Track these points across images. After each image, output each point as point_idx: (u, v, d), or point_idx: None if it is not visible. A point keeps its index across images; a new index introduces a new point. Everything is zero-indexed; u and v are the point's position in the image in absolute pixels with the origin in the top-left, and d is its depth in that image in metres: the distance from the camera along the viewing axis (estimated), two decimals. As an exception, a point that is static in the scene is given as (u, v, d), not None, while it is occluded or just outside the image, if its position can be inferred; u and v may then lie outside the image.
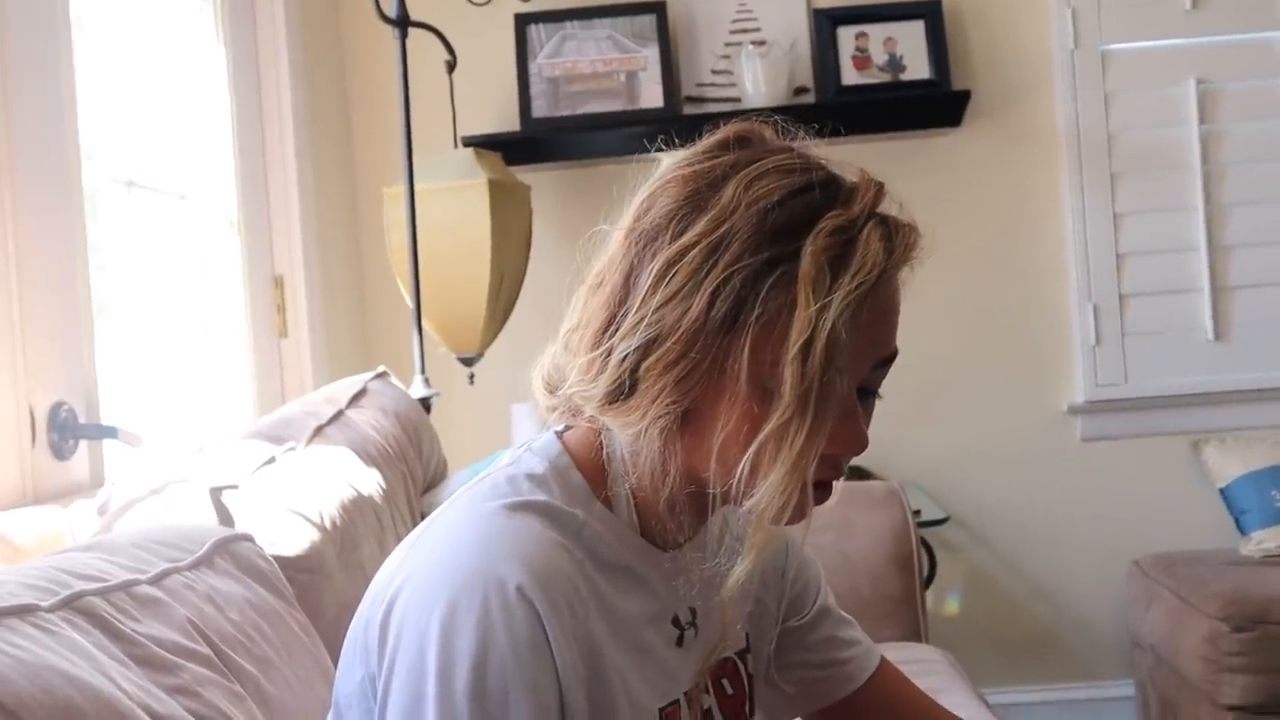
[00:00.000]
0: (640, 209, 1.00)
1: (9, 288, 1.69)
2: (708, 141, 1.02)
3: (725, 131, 1.02)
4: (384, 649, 0.94)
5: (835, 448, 0.96)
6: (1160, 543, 3.39)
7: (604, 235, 1.03)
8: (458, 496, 1.04)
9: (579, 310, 1.02)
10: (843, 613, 1.29)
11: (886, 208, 0.98)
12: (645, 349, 0.94)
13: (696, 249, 0.94)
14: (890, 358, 1.00)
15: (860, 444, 0.98)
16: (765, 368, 0.93)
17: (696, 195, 0.96)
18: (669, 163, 1.02)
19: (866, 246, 0.93)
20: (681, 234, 0.95)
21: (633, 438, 0.98)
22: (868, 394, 1.01)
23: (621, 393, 0.96)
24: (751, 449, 0.93)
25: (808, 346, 0.90)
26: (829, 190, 0.96)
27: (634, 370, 0.95)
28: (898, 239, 0.96)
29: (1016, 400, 3.51)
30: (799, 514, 0.97)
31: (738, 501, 0.96)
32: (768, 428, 0.92)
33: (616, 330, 0.96)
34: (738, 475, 0.94)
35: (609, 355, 0.96)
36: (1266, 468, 3.30)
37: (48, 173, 1.81)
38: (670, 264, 0.94)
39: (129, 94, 2.32)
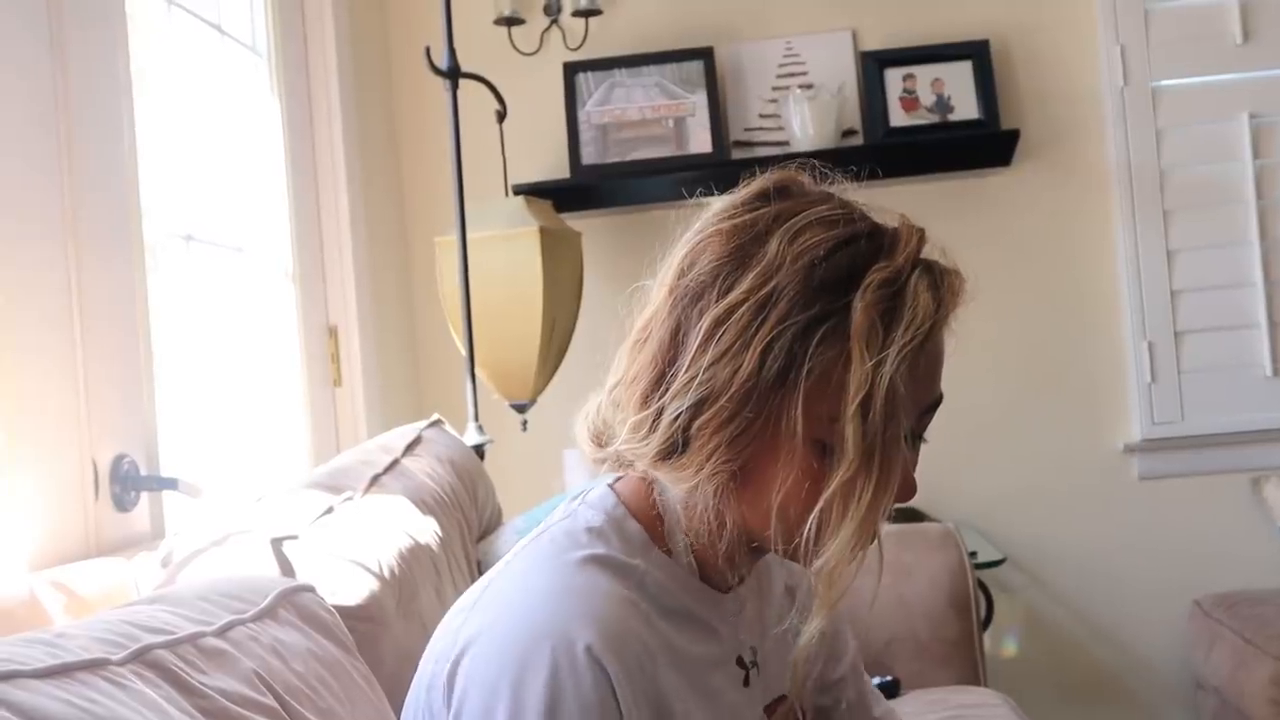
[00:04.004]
0: (683, 264, 0.99)
1: (73, 341, 1.71)
2: (746, 192, 1.02)
3: (764, 181, 1.02)
4: (449, 707, 0.94)
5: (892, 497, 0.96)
6: (1221, 582, 3.34)
7: (646, 289, 1.03)
8: (517, 554, 1.03)
9: (624, 365, 1.02)
10: (869, 681, 1.30)
11: (928, 253, 0.98)
12: (697, 408, 0.94)
13: (745, 306, 0.93)
14: (937, 402, 1.00)
15: (912, 491, 0.98)
16: (822, 423, 0.92)
17: (740, 250, 0.96)
18: (709, 215, 1.02)
19: (916, 298, 0.93)
20: (728, 291, 0.95)
21: (687, 493, 0.98)
22: (915, 438, 1.00)
23: (674, 450, 0.96)
24: (818, 507, 0.93)
25: (867, 402, 0.90)
26: (873, 241, 0.96)
27: (686, 429, 0.94)
28: (944, 287, 0.96)
29: (1072, 439, 3.48)
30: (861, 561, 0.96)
31: (805, 561, 0.95)
32: (833, 485, 0.92)
33: (666, 389, 0.96)
34: (805, 534, 0.93)
35: (660, 414, 0.96)
36: (1329, 505, 3.25)
37: (109, 229, 1.84)
38: (719, 322, 0.94)
39: (187, 150, 2.36)
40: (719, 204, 1.02)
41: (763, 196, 1.00)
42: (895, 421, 0.92)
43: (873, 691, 1.28)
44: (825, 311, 0.92)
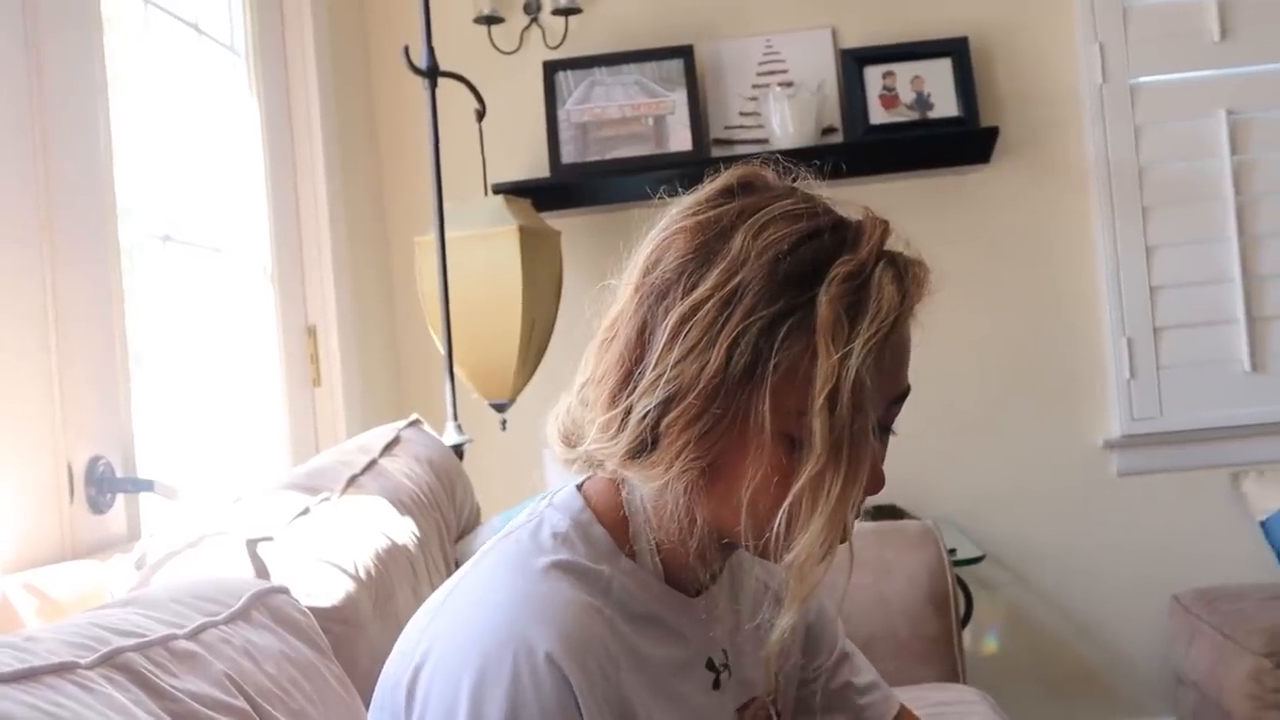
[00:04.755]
0: (649, 261, 0.99)
1: (48, 343, 1.71)
2: (711, 188, 1.02)
3: (728, 177, 1.01)
4: (410, 712, 0.94)
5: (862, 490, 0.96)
6: (1201, 577, 3.35)
7: (612, 288, 1.03)
8: (482, 556, 1.03)
9: (592, 364, 1.01)
10: (860, 656, 1.29)
11: (893, 244, 0.98)
12: (665, 405, 0.94)
13: (710, 303, 0.93)
14: (905, 394, 1.00)
15: (880, 484, 0.98)
16: (790, 418, 0.92)
17: (705, 246, 0.96)
18: (674, 211, 1.01)
19: (881, 290, 0.93)
20: (694, 288, 0.94)
21: (657, 491, 0.98)
22: (883, 431, 1.00)
23: (644, 449, 0.95)
24: (787, 501, 0.93)
25: (834, 395, 0.90)
26: (837, 234, 0.96)
27: (654, 427, 0.94)
28: (909, 278, 0.97)
29: (1051, 436, 3.49)
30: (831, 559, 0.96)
31: (776, 557, 0.95)
32: (802, 479, 0.92)
33: (634, 388, 0.96)
34: (775, 529, 0.93)
35: (629, 413, 0.96)
36: (1307, 500, 3.26)
37: (85, 230, 1.84)
38: (684, 319, 0.94)
39: (164, 150, 2.35)
40: (683, 201, 1.02)
41: (727, 192, 1.00)
42: (863, 414, 0.92)
43: (863, 681, 1.27)
44: (790, 306, 0.92)
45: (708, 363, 0.92)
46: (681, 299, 0.95)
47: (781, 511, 0.93)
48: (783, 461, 0.93)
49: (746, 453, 0.94)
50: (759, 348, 0.92)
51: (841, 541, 0.95)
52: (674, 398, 0.93)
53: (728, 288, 0.93)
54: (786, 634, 0.99)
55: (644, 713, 0.97)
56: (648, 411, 0.94)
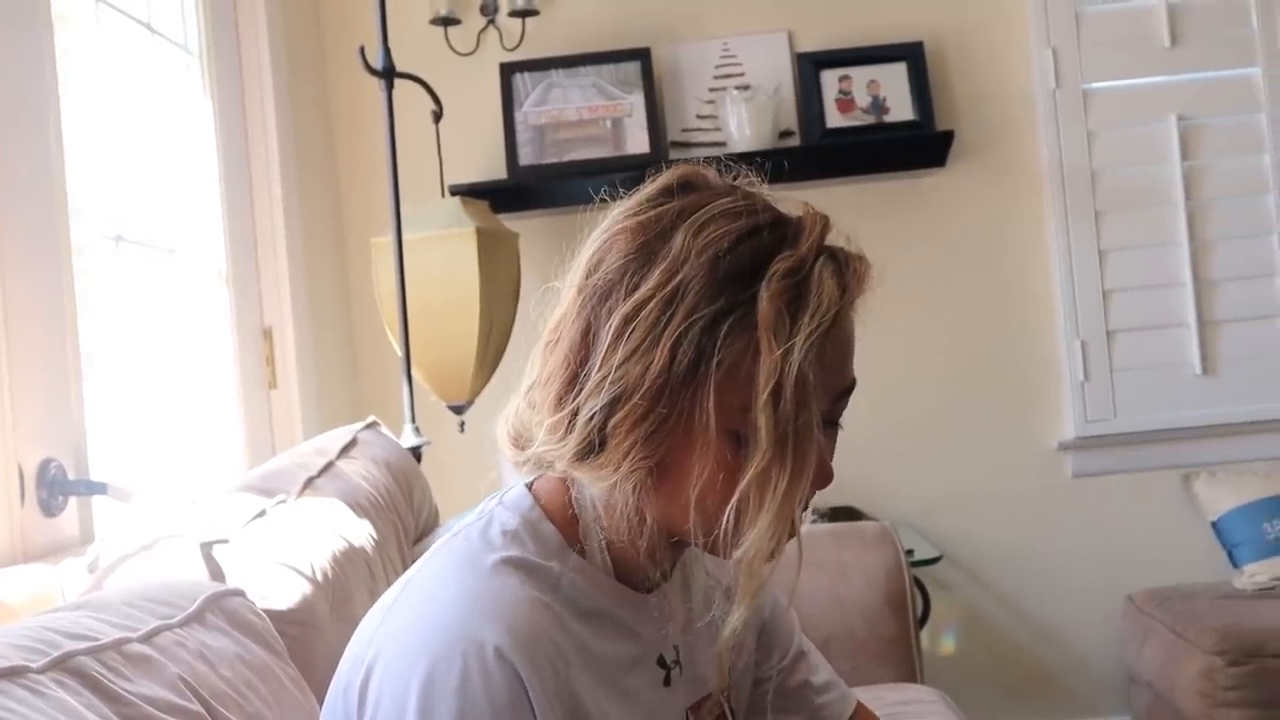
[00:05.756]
0: (590, 263, 0.99)
1: (-3, 345, 1.69)
2: (651, 188, 1.02)
3: (668, 177, 1.02)
4: (362, 713, 0.93)
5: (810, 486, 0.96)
6: (1154, 577, 3.39)
7: (556, 291, 1.03)
8: (432, 555, 1.03)
9: (538, 367, 1.02)
10: (817, 654, 1.29)
11: (833, 239, 0.99)
12: (611, 407, 0.94)
13: (652, 303, 0.93)
14: (850, 387, 1.00)
15: (828, 478, 0.98)
16: (735, 414, 0.93)
17: (646, 247, 0.96)
18: (615, 213, 1.01)
19: (821, 285, 0.94)
20: (635, 288, 0.94)
21: (606, 490, 0.98)
22: (830, 425, 1.00)
23: (591, 450, 0.95)
24: (734, 498, 0.93)
25: (778, 391, 0.90)
26: (776, 230, 0.97)
27: (601, 429, 0.94)
28: (849, 273, 0.97)
29: (1007, 438, 3.52)
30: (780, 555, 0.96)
31: (725, 553, 0.95)
32: (748, 475, 0.92)
33: (580, 390, 0.96)
34: (723, 526, 0.93)
35: (575, 415, 0.95)
36: (1258, 500, 3.30)
37: (35, 230, 1.82)
38: (628, 320, 0.94)
39: (117, 150, 2.33)
40: (625, 201, 1.02)
41: (667, 192, 1.00)
42: (807, 409, 0.92)
43: (820, 680, 1.27)
44: (732, 303, 0.93)
45: (651, 362, 0.92)
46: (624, 300, 0.95)
47: (729, 508, 0.93)
48: (729, 458, 0.93)
49: (693, 451, 0.94)
50: (702, 346, 0.92)
51: (790, 537, 0.95)
52: (620, 399, 0.93)
53: (669, 287, 0.93)
54: (738, 630, 0.99)
55: (594, 709, 0.96)
56: (594, 413, 0.94)
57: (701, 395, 0.92)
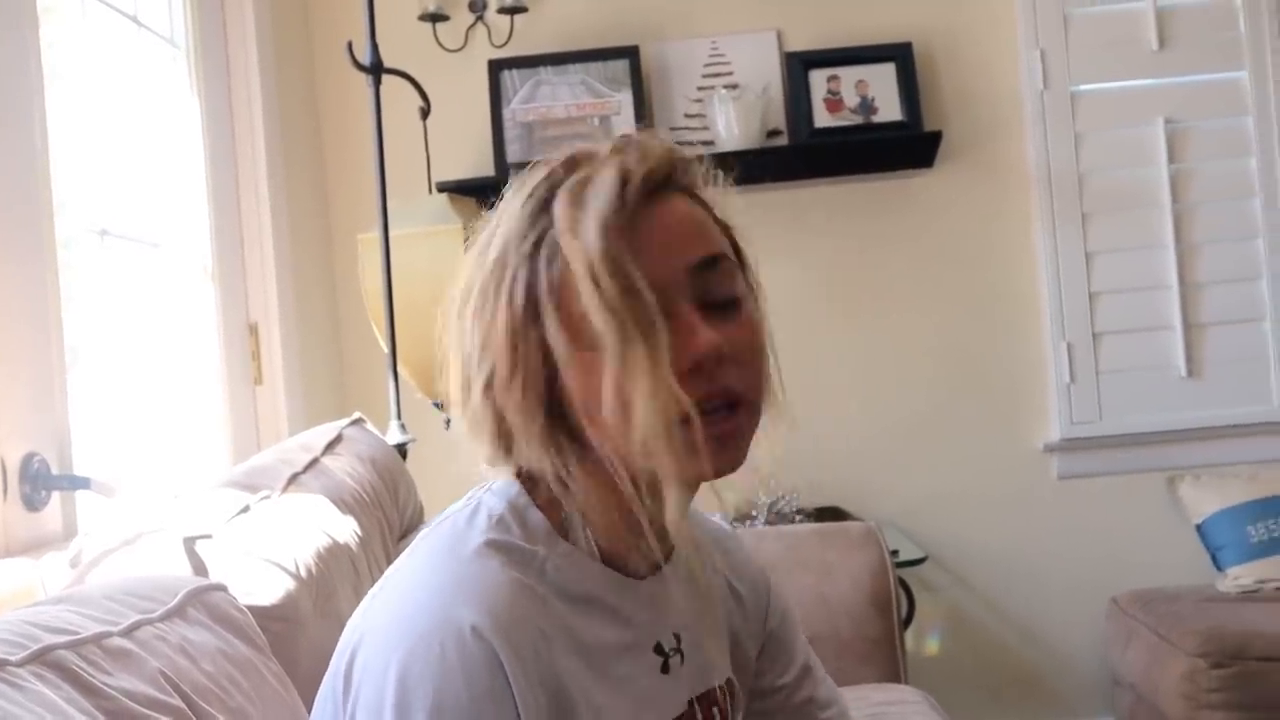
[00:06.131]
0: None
1: (-20, 338, 1.68)
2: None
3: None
4: (347, 699, 0.93)
5: (683, 356, 0.93)
6: (1138, 579, 3.40)
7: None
8: (419, 541, 1.03)
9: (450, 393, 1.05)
10: (821, 668, 1.29)
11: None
12: (491, 379, 0.97)
13: (482, 271, 0.98)
14: (705, 262, 0.98)
15: (703, 343, 0.94)
16: (578, 323, 0.93)
17: (478, 245, 1.02)
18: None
19: (604, 170, 0.97)
20: (469, 274, 1.00)
21: (540, 469, 0.99)
22: (715, 306, 0.97)
23: (502, 437, 0.99)
24: (611, 398, 0.92)
25: (592, 275, 0.92)
26: (571, 162, 1.00)
27: (498, 412, 0.98)
28: (634, 151, 0.99)
29: (992, 439, 3.52)
30: (693, 450, 0.92)
31: (640, 457, 0.94)
32: (609, 369, 0.92)
33: (471, 386, 1.00)
34: (614, 431, 0.93)
35: (475, 407, 1.00)
36: (1242, 503, 3.31)
37: (19, 223, 1.81)
38: (467, 295, 1.00)
39: (103, 144, 2.32)
40: None
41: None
42: (628, 279, 0.92)
43: (824, 695, 1.27)
44: (538, 231, 0.97)
45: (497, 315, 0.96)
46: (465, 291, 1.00)
47: (614, 411, 0.92)
48: (592, 364, 0.94)
49: (571, 377, 0.95)
50: (528, 281, 0.95)
51: (686, 420, 0.92)
52: (494, 369, 0.97)
53: (490, 248, 0.99)
54: (698, 569, 1.01)
55: (580, 694, 0.95)
56: (482, 394, 0.98)
57: (549, 323, 0.94)
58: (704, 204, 1.03)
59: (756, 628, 1.22)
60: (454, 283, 1.03)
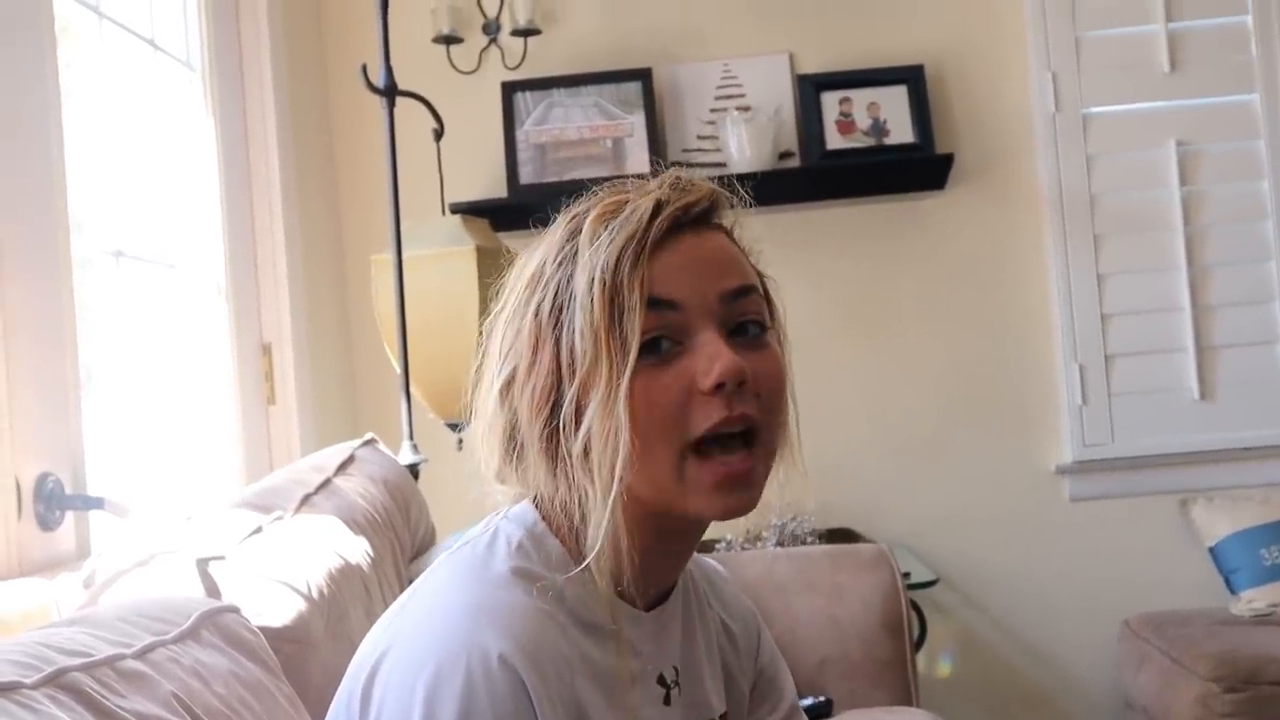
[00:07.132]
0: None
1: (-4, 359, 1.69)
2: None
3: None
4: (366, 716, 0.93)
5: (705, 376, 0.95)
6: (1150, 602, 3.38)
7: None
8: (438, 566, 1.03)
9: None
10: (801, 714, 1.29)
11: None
12: (510, 379, 1.00)
13: (519, 281, 1.03)
14: (740, 290, 1.00)
15: (727, 364, 0.95)
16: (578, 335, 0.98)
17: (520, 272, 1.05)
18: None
19: (646, 198, 1.00)
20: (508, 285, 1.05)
21: (544, 489, 1.01)
22: (742, 336, 1.00)
23: (513, 442, 1.01)
24: (593, 406, 0.95)
25: (591, 290, 0.95)
26: (622, 188, 1.04)
27: (513, 416, 1.00)
28: (679, 185, 1.02)
29: (1004, 461, 3.51)
30: (700, 488, 0.97)
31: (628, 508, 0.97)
32: (577, 380, 0.96)
33: (479, 385, 1.04)
34: (583, 433, 0.96)
35: (487, 405, 1.03)
36: (1255, 526, 3.30)
37: (36, 243, 1.82)
38: (502, 305, 1.04)
39: (118, 165, 2.33)
40: None
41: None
42: (621, 300, 0.95)
43: None
44: (572, 246, 1.00)
45: (524, 320, 1.00)
46: (502, 299, 1.05)
47: (590, 414, 0.96)
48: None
49: (583, 386, 0.97)
50: (555, 290, 0.99)
51: (620, 448, 0.94)
52: (513, 371, 1.00)
53: (529, 266, 1.03)
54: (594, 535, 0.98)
55: (598, 718, 0.96)
56: (499, 396, 1.01)
57: (564, 332, 0.97)
58: (740, 249, 1.05)
59: (748, 664, 1.22)
60: (497, 301, 1.06)
